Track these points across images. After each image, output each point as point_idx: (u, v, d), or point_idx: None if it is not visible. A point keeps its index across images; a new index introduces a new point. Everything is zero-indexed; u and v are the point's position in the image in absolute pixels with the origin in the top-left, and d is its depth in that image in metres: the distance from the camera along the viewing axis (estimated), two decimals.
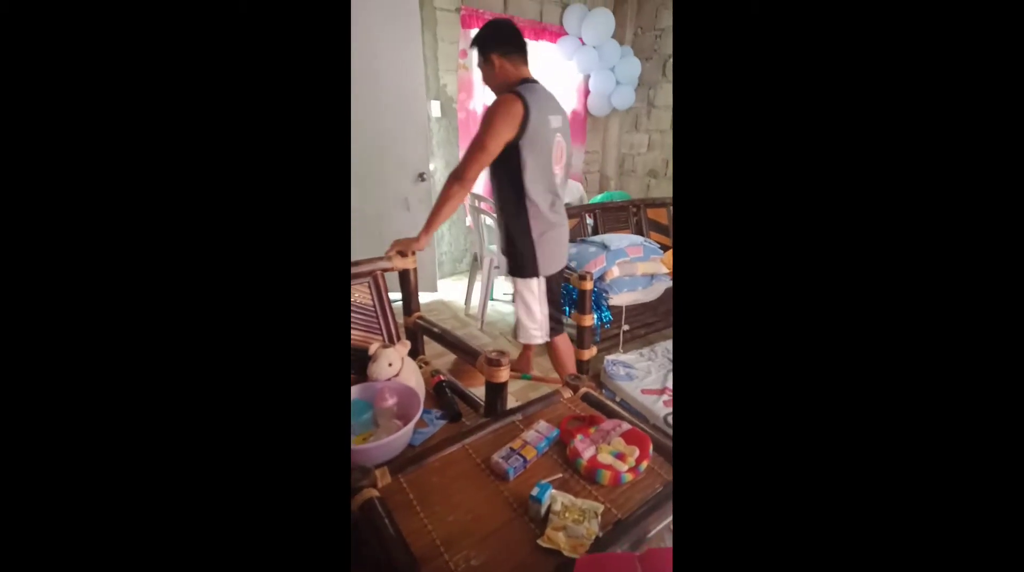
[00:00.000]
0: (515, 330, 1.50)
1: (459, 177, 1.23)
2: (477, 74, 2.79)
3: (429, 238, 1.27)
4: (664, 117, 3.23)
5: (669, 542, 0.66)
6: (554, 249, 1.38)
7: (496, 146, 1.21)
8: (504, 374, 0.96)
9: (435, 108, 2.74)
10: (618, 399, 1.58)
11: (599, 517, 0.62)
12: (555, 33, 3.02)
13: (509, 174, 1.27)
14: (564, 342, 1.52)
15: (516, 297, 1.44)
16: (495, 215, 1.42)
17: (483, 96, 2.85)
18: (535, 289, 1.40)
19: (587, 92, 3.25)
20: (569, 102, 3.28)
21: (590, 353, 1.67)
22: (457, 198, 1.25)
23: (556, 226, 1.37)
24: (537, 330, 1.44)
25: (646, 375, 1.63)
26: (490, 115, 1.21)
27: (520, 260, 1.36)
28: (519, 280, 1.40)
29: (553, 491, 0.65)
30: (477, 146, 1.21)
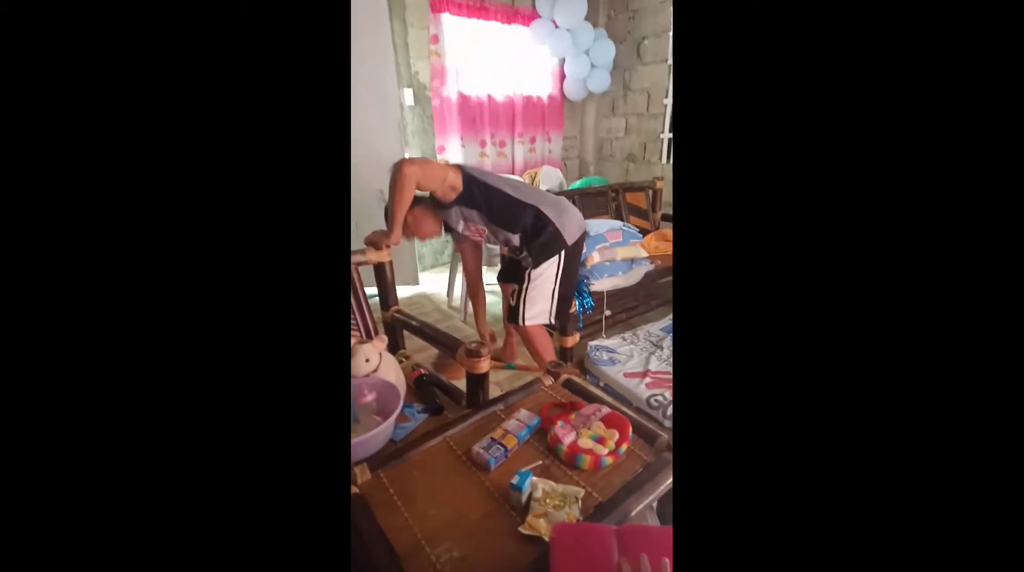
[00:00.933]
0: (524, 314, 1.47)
1: (399, 165, 1.20)
2: (450, 60, 2.75)
3: (398, 230, 1.24)
4: (640, 100, 3.22)
5: (650, 521, 0.67)
6: (571, 215, 1.39)
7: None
8: (484, 365, 0.95)
9: (408, 96, 2.68)
10: (602, 384, 1.60)
11: (580, 502, 0.62)
12: (528, 16, 2.97)
13: (486, 191, 1.30)
14: (538, 332, 1.52)
15: (533, 285, 1.41)
16: (500, 243, 1.43)
17: (457, 82, 2.80)
18: (554, 269, 1.39)
19: (563, 76, 3.22)
20: (545, 87, 3.24)
21: (573, 340, 1.67)
22: (409, 179, 1.21)
23: (559, 198, 1.40)
24: (547, 312, 1.44)
25: (628, 359, 1.65)
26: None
27: (545, 243, 1.36)
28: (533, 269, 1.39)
29: (534, 478, 0.65)
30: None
